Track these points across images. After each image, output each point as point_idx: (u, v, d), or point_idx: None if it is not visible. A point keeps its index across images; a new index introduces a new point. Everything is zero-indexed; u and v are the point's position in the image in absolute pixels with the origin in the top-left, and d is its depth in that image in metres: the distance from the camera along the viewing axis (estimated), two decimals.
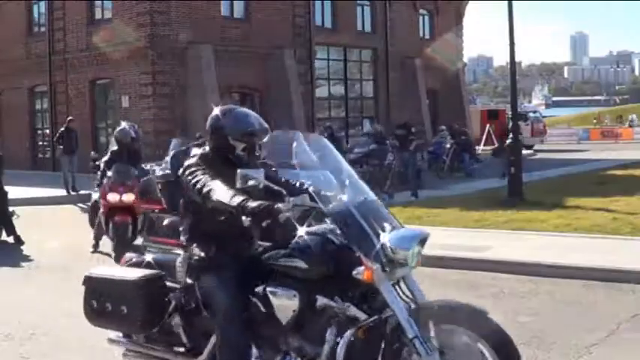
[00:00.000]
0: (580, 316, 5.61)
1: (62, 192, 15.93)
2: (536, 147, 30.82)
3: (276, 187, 3.49)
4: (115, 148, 9.44)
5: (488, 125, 28.88)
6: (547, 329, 5.15)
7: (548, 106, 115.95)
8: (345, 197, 3.34)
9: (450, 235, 8.62)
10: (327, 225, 3.38)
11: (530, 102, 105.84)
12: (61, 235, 10.53)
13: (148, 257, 4.06)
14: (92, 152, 12.42)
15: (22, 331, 5.60)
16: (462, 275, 7.09)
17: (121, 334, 4.02)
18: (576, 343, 4.81)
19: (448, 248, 7.68)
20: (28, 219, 11.05)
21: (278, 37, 22.69)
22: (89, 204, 10.68)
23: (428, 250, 3.37)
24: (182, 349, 3.77)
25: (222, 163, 3.52)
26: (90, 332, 5.55)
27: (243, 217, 3.36)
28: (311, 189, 3.46)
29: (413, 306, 3.17)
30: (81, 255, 8.93)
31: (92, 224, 9.60)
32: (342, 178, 3.48)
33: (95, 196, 9.89)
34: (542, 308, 5.86)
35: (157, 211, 7.47)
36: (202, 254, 3.56)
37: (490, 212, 10.63)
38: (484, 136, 28.30)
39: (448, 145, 20.51)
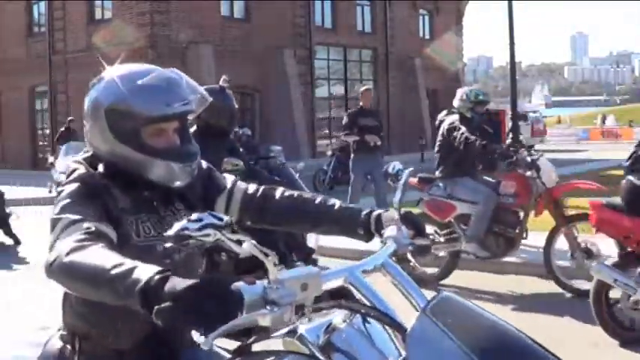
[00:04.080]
0: None
1: None
2: (536, 147, 30.75)
3: None
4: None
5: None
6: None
7: (548, 106, 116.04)
8: None
9: None
10: None
11: (530, 102, 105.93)
12: None
13: None
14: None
15: (21, 330, 5.60)
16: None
17: None
18: None
19: None
20: (28, 219, 11.04)
21: (278, 37, 22.70)
22: None
23: None
24: None
25: None
26: None
27: None
28: None
29: None
30: None
31: None
32: None
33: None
34: None
35: None
36: None
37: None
38: None
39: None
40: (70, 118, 17.87)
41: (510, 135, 13.03)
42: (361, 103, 9.91)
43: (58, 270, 1.60)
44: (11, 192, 10.80)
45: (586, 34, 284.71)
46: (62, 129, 17.11)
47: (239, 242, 1.40)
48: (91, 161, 1.92)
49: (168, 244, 1.43)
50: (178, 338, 1.93)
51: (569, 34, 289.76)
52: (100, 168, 1.90)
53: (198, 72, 20.58)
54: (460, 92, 6.98)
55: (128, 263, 1.43)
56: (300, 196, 2.09)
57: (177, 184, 1.89)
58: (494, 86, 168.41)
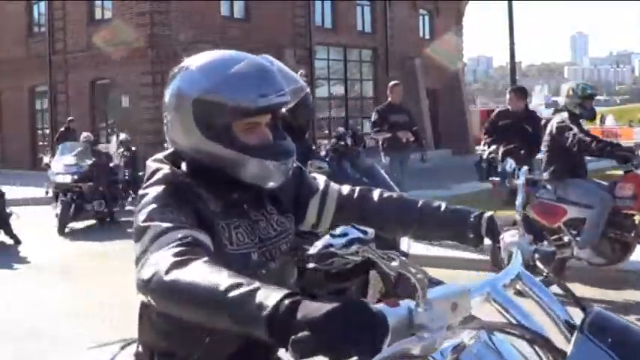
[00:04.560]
0: None
1: None
2: None
3: None
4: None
5: None
6: None
7: (548, 106, 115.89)
8: None
9: None
10: None
11: (530, 102, 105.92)
12: (61, 235, 10.54)
13: None
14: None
15: (21, 330, 5.60)
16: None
17: None
18: None
19: None
20: (28, 219, 11.05)
21: (278, 37, 22.69)
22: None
23: None
24: None
25: None
26: (89, 331, 5.56)
27: None
28: None
29: None
30: (80, 255, 8.93)
31: None
32: None
33: None
34: None
35: None
36: None
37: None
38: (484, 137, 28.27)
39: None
40: (70, 118, 17.88)
41: None
42: (390, 99, 9.52)
43: (158, 289, 1.34)
44: (11, 192, 10.79)
45: (586, 34, 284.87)
46: (62, 129, 17.15)
47: (390, 259, 1.23)
48: (174, 159, 1.71)
49: (310, 265, 1.26)
50: (267, 354, 1.72)
51: (569, 34, 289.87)
52: (183, 166, 1.69)
53: None
54: (566, 88, 6.58)
55: (247, 284, 1.22)
56: (401, 197, 1.92)
57: (271, 184, 1.67)
58: (494, 86, 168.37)
